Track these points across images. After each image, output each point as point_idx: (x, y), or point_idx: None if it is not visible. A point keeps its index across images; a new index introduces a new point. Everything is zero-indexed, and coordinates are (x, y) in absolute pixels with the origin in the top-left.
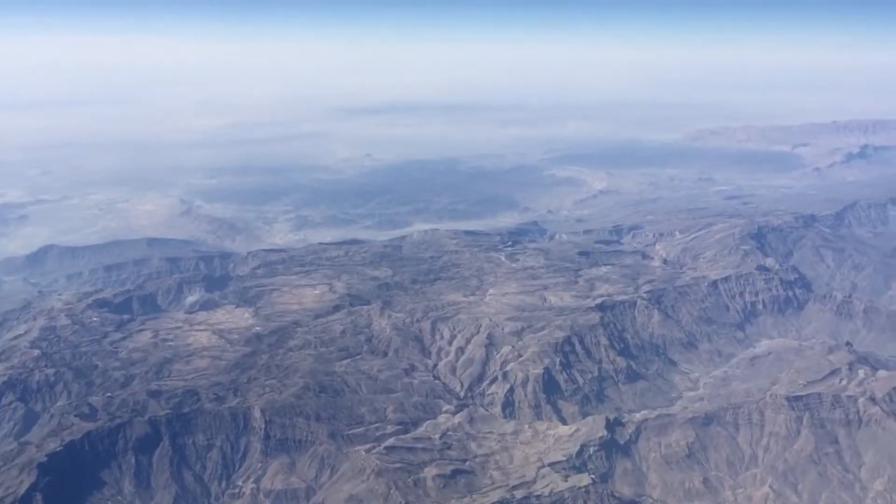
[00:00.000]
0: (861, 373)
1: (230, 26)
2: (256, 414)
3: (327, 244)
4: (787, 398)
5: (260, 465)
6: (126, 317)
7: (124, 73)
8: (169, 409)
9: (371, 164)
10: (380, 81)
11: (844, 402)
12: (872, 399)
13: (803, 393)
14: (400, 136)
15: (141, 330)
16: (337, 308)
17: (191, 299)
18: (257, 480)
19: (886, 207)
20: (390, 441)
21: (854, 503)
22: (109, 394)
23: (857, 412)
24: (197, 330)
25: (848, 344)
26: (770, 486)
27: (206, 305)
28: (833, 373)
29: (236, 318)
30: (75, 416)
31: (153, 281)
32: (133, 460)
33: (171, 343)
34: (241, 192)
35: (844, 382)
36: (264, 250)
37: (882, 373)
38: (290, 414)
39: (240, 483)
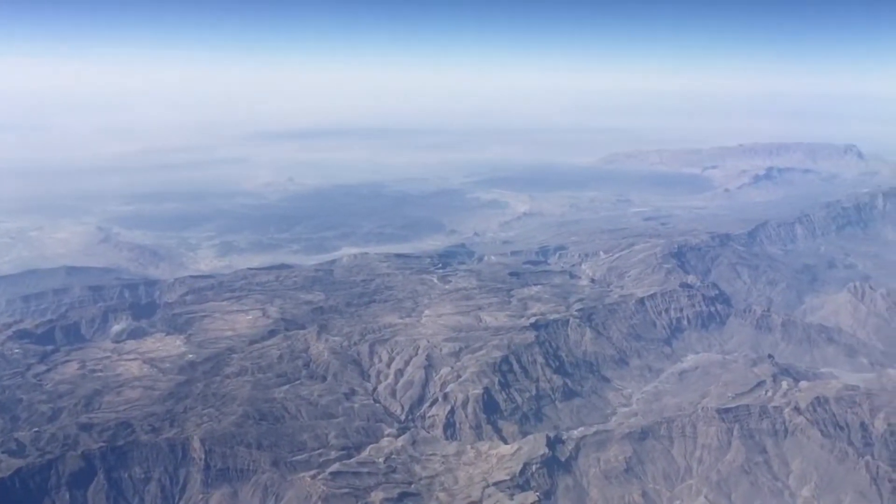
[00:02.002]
0: (784, 384)
1: (139, 51)
2: (196, 444)
3: (256, 269)
4: (718, 411)
5: (201, 496)
6: (49, 348)
7: (28, 99)
8: (102, 443)
9: (294, 188)
10: (296, 106)
11: (771, 413)
12: (797, 409)
13: (732, 405)
14: (321, 160)
15: (66, 361)
16: (272, 333)
17: (117, 328)
18: None
19: (794, 226)
20: (335, 466)
21: None
22: (37, 428)
23: (784, 422)
24: (126, 359)
25: (770, 356)
26: (705, 497)
27: (133, 334)
28: (759, 385)
29: (167, 346)
30: (3, 452)
31: (75, 310)
32: (67, 496)
33: (99, 374)
34: (160, 219)
35: (770, 394)
36: (192, 277)
37: (804, 383)
38: (230, 443)
39: None
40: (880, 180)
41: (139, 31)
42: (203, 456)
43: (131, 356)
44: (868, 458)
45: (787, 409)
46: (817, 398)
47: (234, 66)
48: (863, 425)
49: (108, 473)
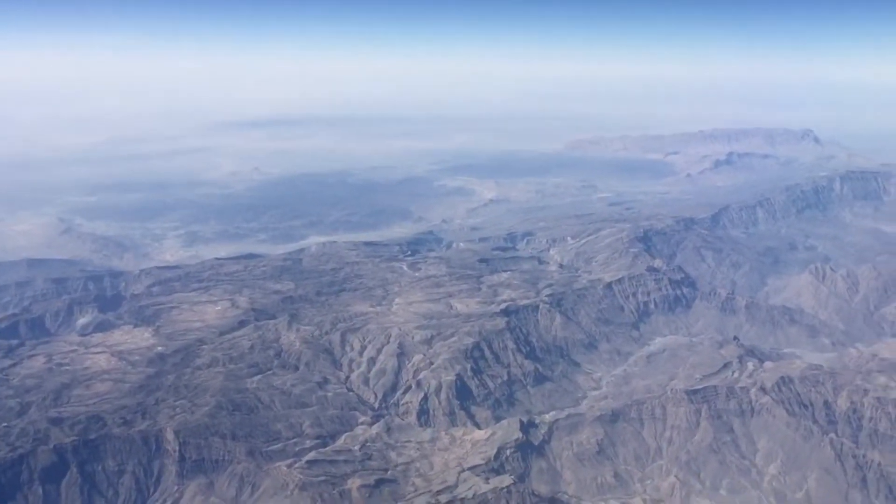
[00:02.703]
0: (750, 365)
1: (95, 39)
2: (169, 436)
3: (224, 259)
4: (686, 392)
5: (176, 487)
6: (14, 342)
7: None
8: (74, 436)
9: (260, 177)
10: (260, 95)
11: (738, 393)
12: (763, 389)
13: (700, 386)
14: (286, 149)
15: (32, 355)
16: (242, 323)
17: (83, 321)
18: (175, 503)
19: (756, 210)
20: (311, 455)
21: (752, 487)
22: (6, 423)
23: (750, 402)
24: (94, 352)
25: (735, 338)
26: (675, 476)
27: (100, 327)
28: (725, 366)
29: (135, 338)
30: None
31: (39, 303)
32: (40, 490)
33: (67, 367)
34: (124, 210)
35: (736, 374)
36: (158, 267)
37: (769, 364)
38: (204, 434)
39: None
40: (837, 164)
41: (95, 19)
42: (177, 447)
43: (99, 349)
44: (832, 435)
45: (753, 390)
46: (782, 378)
47: (195, 55)
48: (826, 403)
49: (82, 467)
